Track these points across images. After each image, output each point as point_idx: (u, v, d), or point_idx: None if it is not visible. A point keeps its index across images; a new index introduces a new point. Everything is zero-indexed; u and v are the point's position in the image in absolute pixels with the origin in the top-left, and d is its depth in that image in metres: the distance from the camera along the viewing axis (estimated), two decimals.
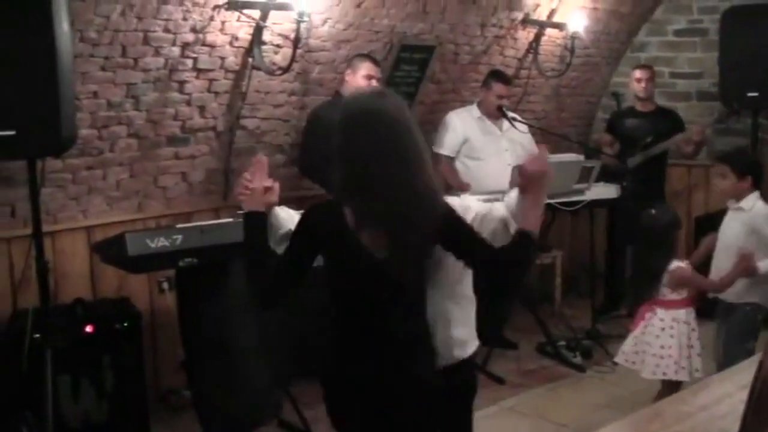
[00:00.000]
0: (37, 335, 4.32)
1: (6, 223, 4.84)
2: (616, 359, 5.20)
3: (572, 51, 7.25)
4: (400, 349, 2.88)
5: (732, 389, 2.76)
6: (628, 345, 5.06)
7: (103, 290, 5.27)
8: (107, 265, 4.72)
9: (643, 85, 7.24)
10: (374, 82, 5.54)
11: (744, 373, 2.73)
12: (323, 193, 5.74)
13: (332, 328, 2.94)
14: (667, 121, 7.21)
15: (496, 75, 6.37)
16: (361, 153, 2.79)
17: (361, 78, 5.53)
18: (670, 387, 4.72)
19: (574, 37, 7.15)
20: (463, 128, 6.35)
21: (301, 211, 3.15)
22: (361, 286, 2.86)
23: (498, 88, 6.25)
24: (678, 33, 7.95)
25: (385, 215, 2.72)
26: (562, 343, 6.52)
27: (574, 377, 6.14)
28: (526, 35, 7.09)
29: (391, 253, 2.76)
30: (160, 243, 4.21)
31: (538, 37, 7.17)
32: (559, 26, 7.17)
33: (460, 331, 3.31)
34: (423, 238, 2.79)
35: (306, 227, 2.90)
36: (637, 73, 7.30)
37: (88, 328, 4.74)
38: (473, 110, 6.41)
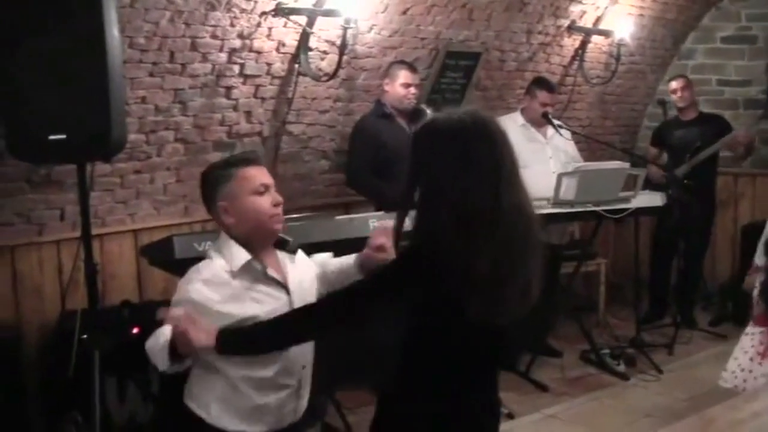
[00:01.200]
0: (85, 336, 4.37)
1: (55, 226, 4.91)
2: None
3: (618, 58, 7.23)
4: None
5: None
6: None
7: (149, 293, 5.33)
8: (154, 267, 4.76)
9: (679, 95, 7.21)
10: (413, 90, 5.56)
11: None
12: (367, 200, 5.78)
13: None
14: (712, 126, 7.16)
15: (540, 82, 6.35)
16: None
17: (399, 86, 5.56)
18: None
19: (620, 45, 7.13)
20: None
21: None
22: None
23: (542, 95, 6.23)
24: (726, 40, 7.89)
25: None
26: (606, 351, 6.47)
27: (617, 386, 6.09)
28: (571, 42, 7.08)
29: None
30: (207, 246, 4.23)
31: (583, 44, 7.15)
32: (605, 33, 7.15)
33: None
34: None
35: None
36: (672, 84, 7.29)
37: (135, 330, 4.79)
38: (517, 117, 6.39)
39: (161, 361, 2.80)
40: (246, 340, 2.74)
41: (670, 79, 7.40)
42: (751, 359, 4.42)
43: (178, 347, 2.72)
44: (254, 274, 2.91)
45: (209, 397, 3.00)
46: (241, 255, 2.89)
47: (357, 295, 2.61)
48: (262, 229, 2.92)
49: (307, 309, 2.78)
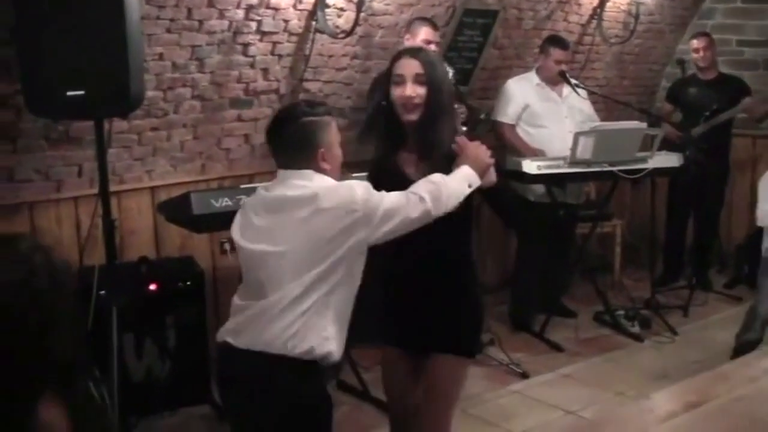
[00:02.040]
0: (103, 292, 4.40)
1: (73, 183, 4.94)
2: None
3: (637, 17, 7.18)
4: None
5: None
6: None
7: (166, 250, 5.36)
8: (171, 224, 4.78)
9: (701, 54, 7.14)
10: (433, 47, 5.52)
11: None
12: None
13: None
14: (731, 88, 7.10)
15: (554, 40, 6.29)
16: None
17: (419, 42, 5.51)
18: None
19: (639, 3, 7.07)
20: (522, 95, 6.30)
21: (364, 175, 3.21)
22: None
23: (556, 53, 6.18)
24: (746, 0, 7.81)
25: None
26: (621, 312, 6.49)
27: (632, 347, 6.11)
28: (590, 1, 7.02)
29: None
30: (224, 203, 4.26)
31: (602, 3, 7.09)
32: None
33: None
34: None
35: None
36: (694, 43, 7.20)
37: (152, 286, 4.83)
38: (532, 77, 6.36)
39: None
40: None
41: (692, 37, 7.31)
42: None
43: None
44: None
45: (325, 329, 3.02)
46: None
47: None
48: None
49: None
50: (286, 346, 2.92)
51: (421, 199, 2.98)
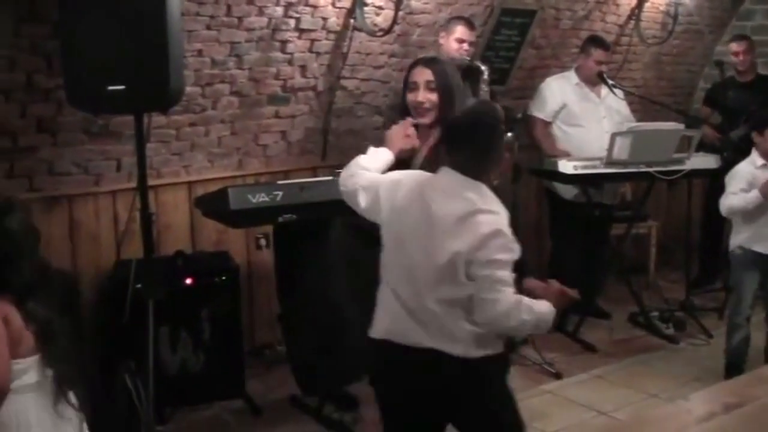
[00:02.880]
0: (140, 285, 4.44)
1: (112, 177, 4.99)
2: None
3: (675, 18, 7.14)
4: None
5: None
6: None
7: (202, 244, 5.39)
8: (208, 219, 4.81)
9: (740, 57, 7.05)
10: (465, 46, 5.51)
11: None
12: None
13: None
14: None
15: (595, 41, 6.27)
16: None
17: (453, 41, 5.51)
18: None
19: (677, 4, 7.03)
20: (561, 94, 6.29)
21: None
22: None
23: (597, 53, 6.16)
24: None
25: None
26: (655, 314, 6.45)
27: (666, 349, 6.07)
28: (628, 1, 6.99)
29: None
30: (261, 198, 4.27)
31: (640, 3, 7.05)
32: None
33: None
34: None
35: None
36: (734, 46, 7.11)
37: (188, 280, 4.86)
38: (571, 76, 6.34)
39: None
40: None
41: (732, 40, 7.24)
42: None
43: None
44: None
45: None
46: None
47: None
48: None
49: None
50: None
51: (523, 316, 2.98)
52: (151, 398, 4.10)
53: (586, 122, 6.21)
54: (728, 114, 7.07)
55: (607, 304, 6.70)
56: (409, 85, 3.67)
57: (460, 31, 5.51)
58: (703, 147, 6.31)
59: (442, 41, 5.58)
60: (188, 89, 4.76)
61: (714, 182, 6.88)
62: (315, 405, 4.88)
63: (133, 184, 4.47)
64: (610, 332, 6.29)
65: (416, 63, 3.72)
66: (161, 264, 4.73)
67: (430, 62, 3.68)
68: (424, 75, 3.62)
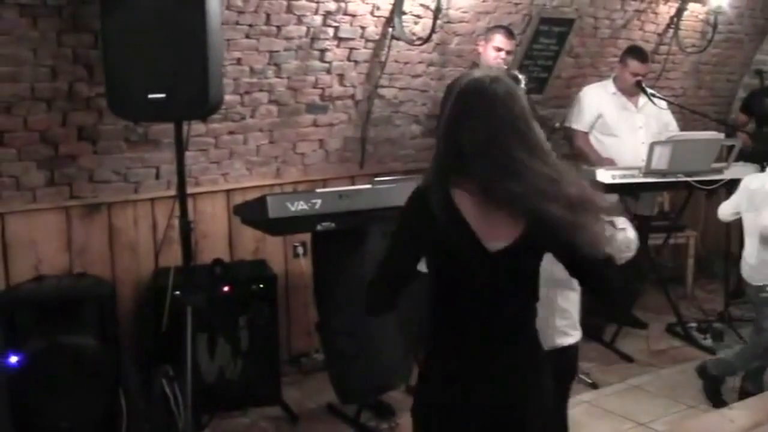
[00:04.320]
0: (178, 293, 4.47)
1: (150, 185, 5.03)
2: None
3: (715, 26, 7.08)
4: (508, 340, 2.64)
5: None
6: None
7: (239, 253, 5.42)
8: (247, 226, 4.82)
9: None
10: (503, 55, 5.51)
11: None
12: None
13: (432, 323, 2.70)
14: None
15: (633, 52, 6.24)
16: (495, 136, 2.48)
17: (491, 49, 5.52)
18: None
19: (717, 13, 6.98)
20: (597, 103, 6.26)
21: None
22: (474, 280, 2.55)
23: (634, 65, 6.13)
24: None
25: (530, 197, 2.41)
26: (693, 324, 6.42)
27: (704, 360, 6.03)
28: (667, 10, 6.94)
29: (523, 241, 2.51)
30: (300, 206, 4.29)
31: (679, 12, 7.01)
32: (701, 1, 7.00)
33: (560, 320, 3.43)
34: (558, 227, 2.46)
35: (411, 221, 2.59)
36: None
37: (226, 288, 4.89)
38: (608, 85, 6.32)
39: None
40: None
41: None
42: None
43: None
44: None
45: None
46: None
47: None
48: None
49: None
50: None
51: None
52: (189, 405, 4.13)
53: (620, 132, 6.19)
54: (765, 122, 7.00)
55: (645, 315, 6.66)
56: None
57: (498, 39, 5.52)
58: (743, 156, 6.25)
59: (480, 49, 5.59)
60: (227, 98, 4.79)
61: None
62: (352, 413, 4.90)
63: (172, 192, 4.51)
64: (648, 342, 6.25)
65: None
66: (199, 272, 4.76)
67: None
68: None
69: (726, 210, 5.33)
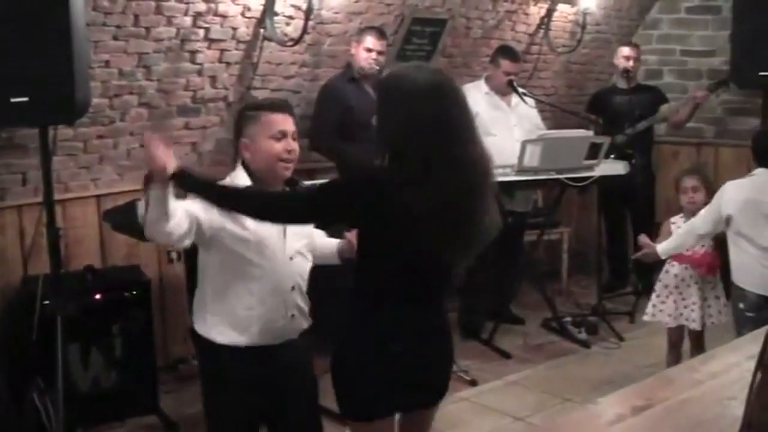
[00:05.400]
0: (48, 302, 4.34)
1: (17, 191, 4.88)
2: None
3: (583, 27, 7.24)
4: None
5: (740, 359, 2.79)
6: None
7: (112, 258, 5.31)
8: (117, 232, 4.74)
9: (631, 63, 7.15)
10: (374, 55, 5.55)
11: (751, 344, 2.77)
12: (331, 165, 5.78)
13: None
14: (649, 96, 7.19)
15: (505, 51, 6.31)
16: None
17: (362, 50, 5.57)
18: None
19: (585, 13, 7.14)
20: (472, 103, 6.24)
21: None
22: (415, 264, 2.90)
23: (505, 64, 6.20)
24: (690, 10, 7.88)
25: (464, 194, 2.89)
26: (568, 319, 6.55)
27: (579, 353, 6.16)
28: (537, 11, 7.07)
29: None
30: None
31: (549, 13, 7.15)
32: (570, 2, 7.15)
33: None
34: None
35: (349, 200, 2.88)
36: (625, 51, 7.18)
37: (98, 296, 4.78)
38: (481, 85, 6.37)
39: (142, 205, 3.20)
40: (202, 185, 3.13)
41: (624, 45, 7.34)
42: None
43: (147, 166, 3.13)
44: None
45: (205, 312, 3.36)
46: (240, 182, 3.28)
47: (306, 198, 3.07)
48: (272, 170, 3.28)
49: (263, 193, 3.21)
50: None
51: None
52: (61, 417, 4.02)
53: (497, 131, 6.23)
54: (613, 119, 7.12)
55: (521, 310, 6.77)
56: None
57: (369, 41, 5.55)
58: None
59: (353, 50, 5.61)
60: (95, 101, 4.68)
61: (604, 190, 6.96)
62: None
63: (40, 198, 4.39)
64: (525, 338, 6.35)
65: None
66: (70, 279, 4.65)
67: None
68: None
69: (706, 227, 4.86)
